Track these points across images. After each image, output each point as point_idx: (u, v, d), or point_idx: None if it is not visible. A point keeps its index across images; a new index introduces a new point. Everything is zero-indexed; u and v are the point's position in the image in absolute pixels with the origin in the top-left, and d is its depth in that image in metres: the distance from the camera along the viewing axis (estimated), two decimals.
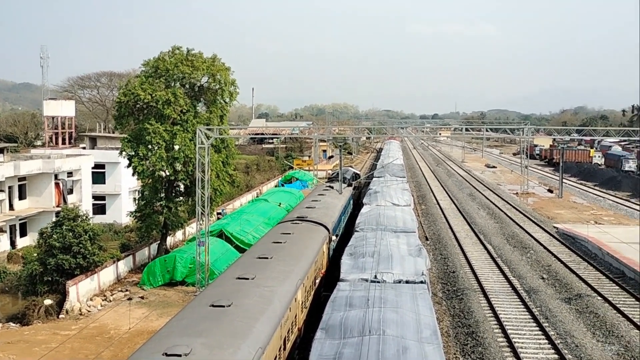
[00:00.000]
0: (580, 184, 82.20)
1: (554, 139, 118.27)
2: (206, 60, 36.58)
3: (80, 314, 29.54)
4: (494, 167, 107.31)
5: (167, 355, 12.80)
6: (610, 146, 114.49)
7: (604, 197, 67.50)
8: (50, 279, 30.59)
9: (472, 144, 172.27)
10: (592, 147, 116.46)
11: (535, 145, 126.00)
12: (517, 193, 69.06)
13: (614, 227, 46.51)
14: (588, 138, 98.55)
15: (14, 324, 28.64)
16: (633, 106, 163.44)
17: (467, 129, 47.84)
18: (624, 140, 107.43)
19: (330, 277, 27.12)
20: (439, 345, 15.34)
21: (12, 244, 42.27)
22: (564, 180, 71.11)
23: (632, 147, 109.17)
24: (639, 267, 32.39)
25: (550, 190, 71.97)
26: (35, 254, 34.10)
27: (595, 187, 77.70)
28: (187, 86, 37.03)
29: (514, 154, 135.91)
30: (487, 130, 51.18)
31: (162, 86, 35.56)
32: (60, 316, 29.11)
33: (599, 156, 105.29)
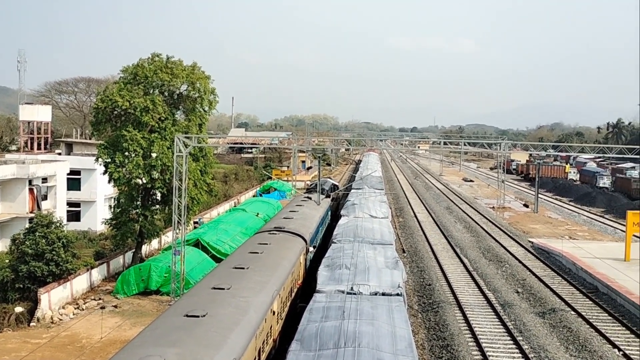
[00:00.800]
0: (556, 199, 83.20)
1: (531, 155, 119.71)
2: (186, 68, 36.44)
3: (52, 322, 29.04)
4: (471, 180, 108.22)
5: None
6: (586, 162, 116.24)
7: (578, 213, 68.38)
8: (21, 286, 30.04)
9: (450, 157, 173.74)
10: (567, 163, 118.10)
11: (512, 160, 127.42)
12: (493, 207, 69.67)
13: (588, 243, 47.10)
14: (564, 154, 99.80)
15: None
16: (608, 123, 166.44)
17: (445, 143, 48.19)
18: (599, 157, 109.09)
19: (306, 288, 27.02)
20: (414, 357, 15.34)
21: None
22: (539, 195, 71.92)
23: (607, 164, 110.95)
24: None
25: (526, 205, 72.74)
26: (7, 261, 33.45)
27: (570, 203, 78.72)
28: (166, 94, 36.82)
29: (491, 169, 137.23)
30: (465, 145, 51.59)
31: (140, 93, 35.30)
32: (32, 324, 28.59)
33: (574, 172, 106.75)
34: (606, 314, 29.14)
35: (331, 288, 21.53)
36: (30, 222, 36.47)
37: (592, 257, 39.32)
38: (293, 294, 25.27)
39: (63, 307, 30.78)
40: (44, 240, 30.58)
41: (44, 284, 30.07)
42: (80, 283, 33.18)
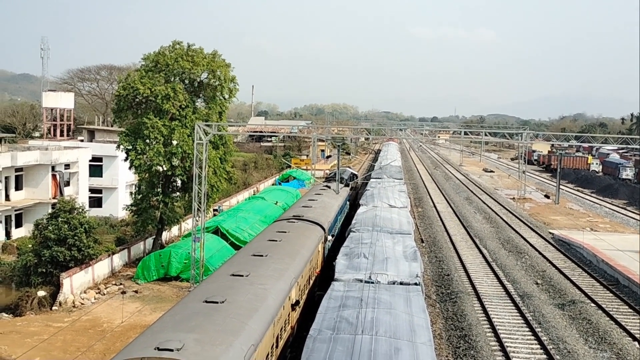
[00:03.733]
0: (577, 190, 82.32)
1: (552, 145, 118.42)
2: (206, 56, 36.54)
3: (74, 307, 29.50)
4: (491, 171, 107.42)
5: (159, 349, 12.77)
6: (608, 154, 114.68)
7: (600, 205, 67.61)
8: (44, 270, 30.53)
9: (471, 147, 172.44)
10: (590, 154, 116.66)
11: (534, 151, 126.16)
12: (513, 198, 69.14)
13: (609, 235, 46.60)
14: (586, 145, 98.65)
15: (6, 315, 28.58)
16: (632, 114, 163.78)
17: (465, 133, 47.87)
18: (622, 148, 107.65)
19: (324, 277, 27.12)
20: (431, 347, 15.35)
21: (7, 234, 42.19)
22: (561, 187, 71.19)
23: (630, 155, 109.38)
24: (638, 274, 32.45)
25: (547, 196, 72.07)
26: (30, 245, 34.04)
27: (592, 194, 77.83)
28: (186, 81, 36.98)
29: (512, 159, 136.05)
30: (485, 135, 51.16)
31: (161, 81, 35.49)
32: (54, 308, 29.08)
33: (596, 163, 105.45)
34: (627, 307, 28.86)
35: (349, 277, 21.59)
36: (53, 208, 37.01)
37: (613, 249, 38.90)
38: (311, 282, 25.37)
39: (85, 292, 31.24)
40: (66, 226, 31.01)
41: (66, 269, 30.53)
42: (101, 268, 33.62)
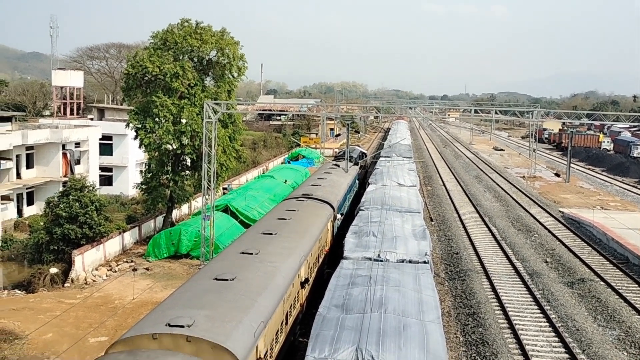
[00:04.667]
0: (588, 169, 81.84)
1: (563, 123, 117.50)
2: (215, 34, 36.38)
3: (85, 283, 29.84)
4: (501, 149, 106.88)
5: (170, 325, 12.92)
6: (620, 132, 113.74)
7: (611, 183, 67.23)
8: (56, 248, 30.85)
9: (481, 126, 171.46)
10: (601, 132, 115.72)
11: (544, 129, 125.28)
12: (524, 176, 68.86)
13: (620, 213, 46.40)
14: (598, 123, 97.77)
15: (19, 291, 28.98)
16: None
17: (476, 111, 47.55)
18: (634, 126, 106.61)
19: (334, 255, 27.23)
20: (439, 324, 15.43)
21: (19, 212, 42.60)
22: (571, 165, 70.79)
23: None
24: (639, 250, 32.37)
25: (557, 175, 71.72)
26: (41, 223, 34.37)
27: (603, 173, 77.36)
28: (195, 60, 36.88)
29: (523, 138, 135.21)
30: (496, 113, 50.82)
31: (170, 59, 35.42)
32: (66, 285, 29.42)
33: (608, 142, 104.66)
34: (636, 285, 28.83)
35: (358, 255, 21.66)
36: (64, 186, 37.28)
37: (624, 227, 38.73)
38: (320, 260, 25.49)
39: (96, 269, 31.57)
40: (77, 204, 31.24)
41: (78, 246, 30.83)
42: (112, 246, 33.93)
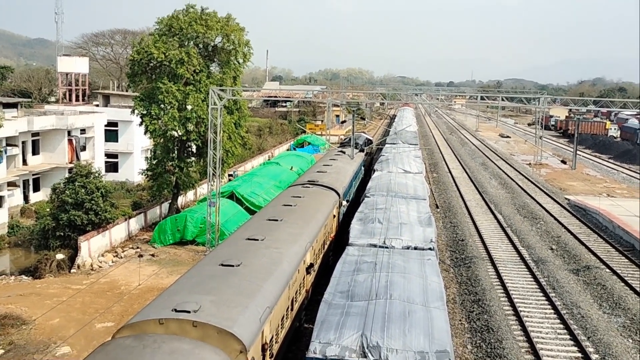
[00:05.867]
0: (595, 156, 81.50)
1: (570, 110, 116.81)
2: (220, 20, 36.25)
3: (92, 269, 29.98)
4: (508, 137, 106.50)
5: (176, 311, 12.97)
6: (627, 119, 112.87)
7: (617, 170, 66.93)
8: (62, 234, 30.98)
9: (487, 113, 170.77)
10: (608, 120, 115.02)
11: (551, 116, 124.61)
12: (530, 164, 68.63)
13: (626, 200, 46.22)
14: (605, 110, 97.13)
15: (26, 277, 29.15)
16: None
17: (482, 98, 47.24)
18: None
19: (339, 242, 27.25)
20: (444, 311, 15.44)
21: (26, 198, 42.76)
22: (578, 152, 70.49)
23: None
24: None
25: (563, 162, 71.46)
26: (48, 209, 34.48)
27: (610, 160, 77.04)
28: (200, 46, 36.77)
29: (529, 125, 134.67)
30: (502, 100, 50.55)
31: (175, 45, 35.32)
32: (72, 271, 29.57)
33: (614, 129, 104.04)
34: None
35: (364, 241, 21.66)
36: (69, 172, 37.36)
37: (630, 214, 38.59)
38: (326, 247, 25.52)
39: (102, 255, 31.70)
40: (83, 190, 31.34)
41: (84, 232, 30.95)
42: (118, 232, 34.04)
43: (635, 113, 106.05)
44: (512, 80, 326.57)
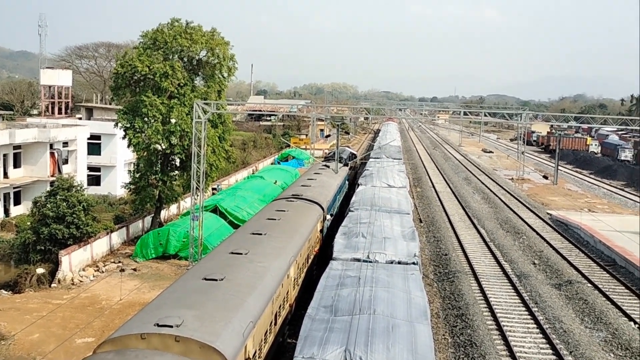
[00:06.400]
0: (576, 171, 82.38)
1: (552, 126, 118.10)
2: (205, 34, 36.25)
3: (72, 284, 29.60)
4: (490, 152, 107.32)
5: (158, 325, 12.85)
6: (608, 135, 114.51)
7: (598, 186, 67.68)
8: (43, 248, 30.58)
9: (470, 128, 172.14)
10: (589, 135, 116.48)
11: (533, 132, 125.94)
12: (512, 178, 69.18)
13: (607, 216, 46.71)
14: (586, 126, 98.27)
15: (5, 292, 28.70)
16: (632, 96, 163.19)
17: (465, 113, 47.70)
18: (622, 130, 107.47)
19: (323, 256, 27.20)
20: (428, 325, 15.44)
21: (6, 212, 42.23)
22: (559, 168, 71.21)
23: (629, 137, 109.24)
24: (638, 256, 32.58)
25: (545, 177, 72.13)
26: (28, 223, 34.05)
27: (591, 175, 77.89)
28: (185, 59, 36.72)
29: (511, 140, 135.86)
30: (485, 115, 51.05)
31: (160, 58, 35.25)
32: (52, 285, 29.18)
33: (595, 144, 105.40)
34: (623, 287, 29.02)
35: (347, 256, 21.65)
36: (51, 186, 36.97)
37: (611, 230, 39.00)
38: (309, 261, 25.46)
39: (83, 269, 31.34)
40: (64, 204, 31.00)
41: (65, 247, 30.59)
42: (100, 246, 33.70)
43: (615, 129, 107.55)
44: (495, 96, 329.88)
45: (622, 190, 65.00)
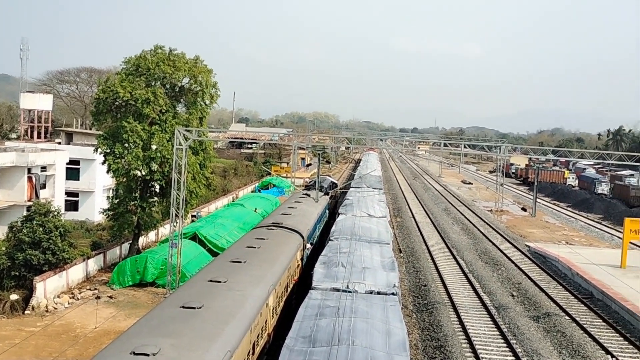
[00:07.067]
0: (554, 204, 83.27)
1: (530, 159, 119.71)
2: (188, 61, 36.40)
3: (47, 311, 29.04)
4: (470, 183, 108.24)
5: (134, 354, 12.63)
6: (585, 168, 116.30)
7: (576, 218, 68.43)
8: (17, 273, 30.02)
9: (450, 159, 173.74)
10: (566, 169, 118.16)
11: (512, 164, 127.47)
12: (491, 210, 69.72)
13: (584, 248, 47.16)
14: (563, 159, 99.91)
15: None
16: (608, 130, 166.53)
17: (445, 144, 48.18)
18: (599, 164, 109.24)
19: (302, 285, 27.05)
20: (407, 357, 15.36)
21: None
22: (538, 200, 71.97)
23: (606, 171, 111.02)
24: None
25: (524, 209, 72.80)
26: (3, 248, 33.46)
27: (568, 208, 78.77)
28: (167, 86, 36.78)
29: (491, 172, 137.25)
30: (465, 147, 51.62)
31: (142, 85, 35.27)
32: (26, 312, 28.59)
33: (573, 178, 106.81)
34: (600, 320, 29.19)
35: (327, 285, 21.55)
36: (28, 211, 36.45)
37: (588, 262, 39.37)
38: (289, 290, 25.30)
39: (58, 296, 30.78)
40: (41, 229, 30.58)
41: (40, 273, 30.06)
42: (76, 272, 33.17)
43: (592, 163, 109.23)
44: (475, 128, 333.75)
45: (599, 223, 65.77)
